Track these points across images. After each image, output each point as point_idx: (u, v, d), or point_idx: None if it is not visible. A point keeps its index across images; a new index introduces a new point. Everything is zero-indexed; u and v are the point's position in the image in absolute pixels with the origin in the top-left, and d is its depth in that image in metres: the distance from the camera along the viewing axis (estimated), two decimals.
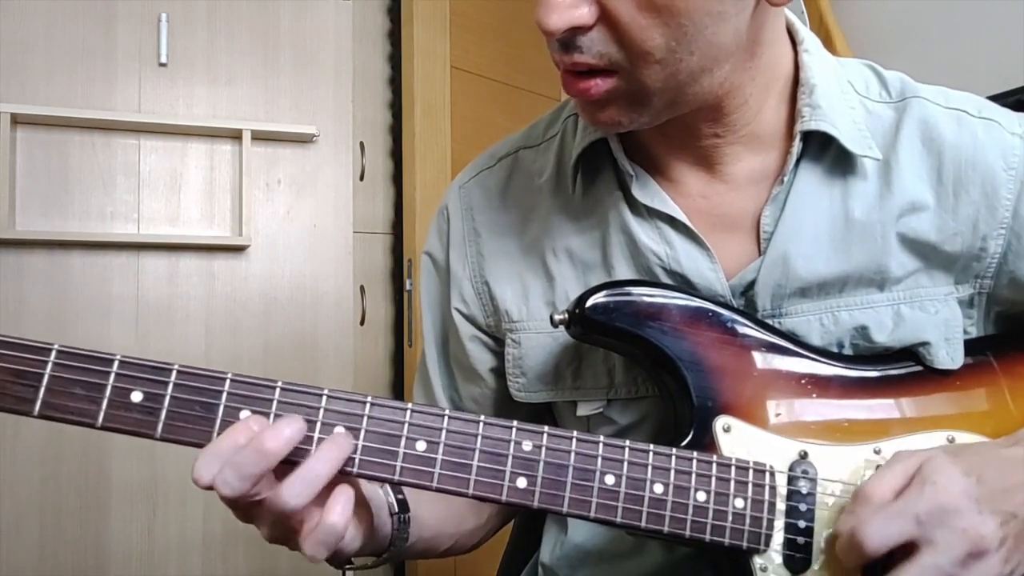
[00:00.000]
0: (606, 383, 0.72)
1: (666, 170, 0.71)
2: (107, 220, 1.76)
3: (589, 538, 0.75)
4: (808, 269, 0.67)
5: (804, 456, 0.63)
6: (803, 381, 0.66)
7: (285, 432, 0.54)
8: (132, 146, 1.79)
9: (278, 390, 0.56)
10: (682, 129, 0.68)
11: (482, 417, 0.59)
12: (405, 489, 0.68)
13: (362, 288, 2.06)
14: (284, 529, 0.57)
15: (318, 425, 0.56)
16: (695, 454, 0.61)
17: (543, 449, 0.59)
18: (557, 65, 0.61)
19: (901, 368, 0.69)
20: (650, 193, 0.70)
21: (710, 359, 0.65)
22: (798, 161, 0.68)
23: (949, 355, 0.68)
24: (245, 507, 0.56)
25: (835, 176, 0.68)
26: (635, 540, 0.72)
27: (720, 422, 0.64)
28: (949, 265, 0.69)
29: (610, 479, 0.59)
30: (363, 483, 0.62)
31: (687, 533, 0.60)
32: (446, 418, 0.58)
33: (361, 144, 2.07)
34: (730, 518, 0.60)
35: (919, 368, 0.69)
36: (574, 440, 0.59)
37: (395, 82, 2.14)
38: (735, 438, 0.63)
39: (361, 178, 2.07)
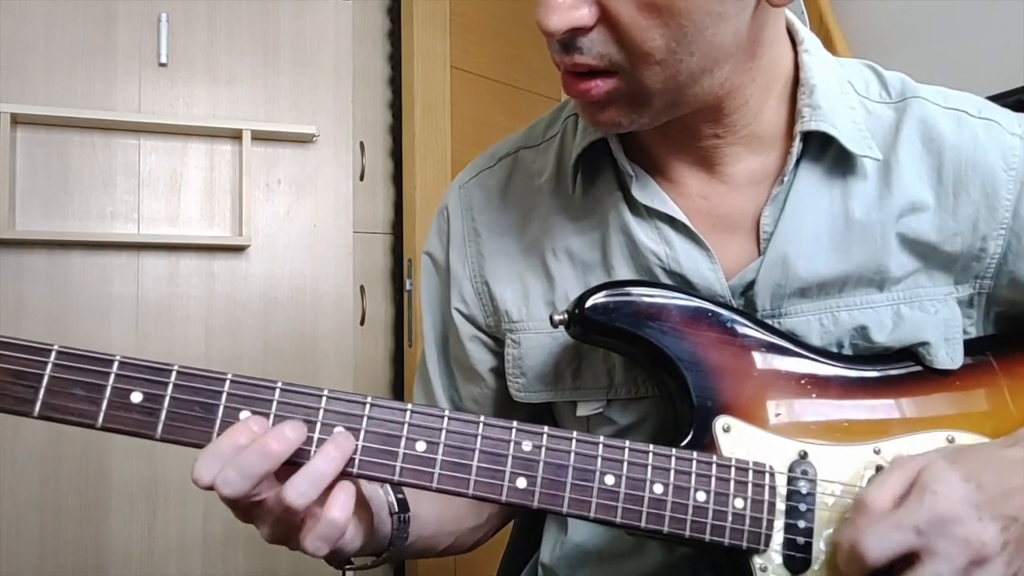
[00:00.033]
0: (606, 383, 0.72)
1: (666, 170, 0.71)
2: (107, 220, 1.76)
3: (589, 538, 0.75)
4: (808, 269, 0.67)
5: (804, 456, 0.63)
6: (803, 381, 0.66)
7: (288, 434, 0.54)
8: (132, 146, 1.79)
9: (278, 391, 0.57)
10: (682, 130, 0.68)
11: (482, 417, 0.59)
12: (405, 488, 0.68)
13: (362, 288, 2.06)
14: (285, 528, 0.57)
15: (318, 425, 0.57)
16: (695, 454, 0.61)
17: (543, 449, 0.59)
18: (557, 66, 0.61)
19: (901, 368, 0.69)
20: (650, 193, 0.70)
21: (710, 359, 0.65)
22: (798, 161, 0.68)
23: (949, 355, 0.68)
24: (245, 507, 0.56)
25: (835, 176, 0.68)
26: (635, 540, 0.72)
27: (720, 422, 0.64)
28: (949, 265, 0.69)
29: (610, 479, 0.59)
30: (363, 483, 0.62)
31: (687, 533, 0.60)
32: (446, 418, 0.58)
33: (361, 144, 2.07)
34: (730, 518, 0.60)
35: (919, 368, 0.69)
36: (574, 440, 0.59)
37: (395, 82, 2.14)
38: (735, 438, 0.63)
39: (361, 178, 2.07)
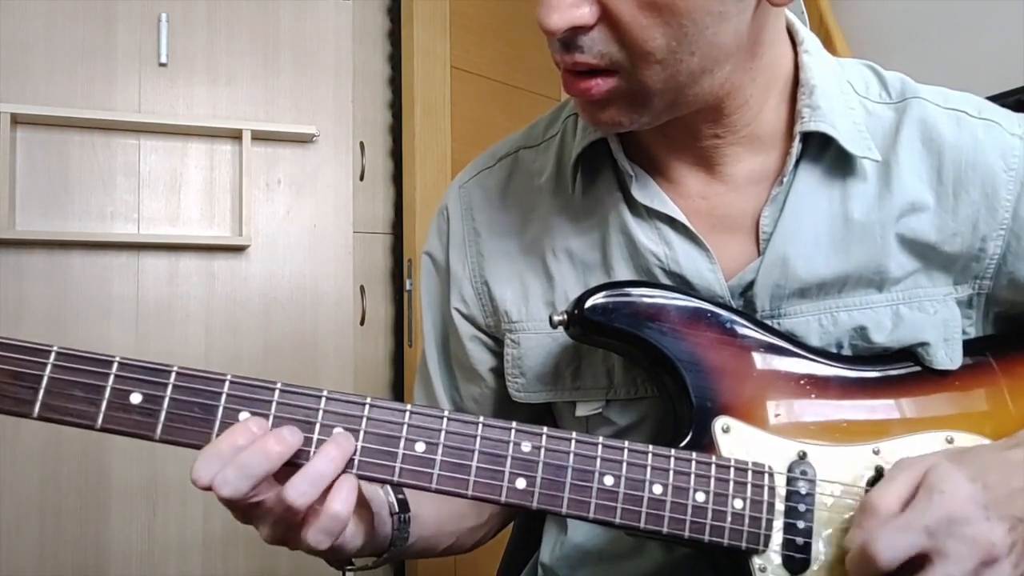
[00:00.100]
0: (605, 384, 0.72)
1: (666, 171, 0.71)
2: (107, 220, 1.76)
3: (589, 538, 0.75)
4: (807, 270, 0.67)
5: (803, 457, 0.63)
6: (802, 382, 0.66)
7: (287, 437, 0.54)
8: (132, 146, 1.79)
9: (277, 391, 0.57)
10: (682, 130, 0.68)
11: (481, 418, 0.59)
12: (405, 489, 0.68)
13: (362, 288, 2.06)
14: (285, 528, 0.57)
15: (317, 426, 0.57)
16: (694, 455, 0.61)
17: (542, 450, 0.59)
18: (558, 65, 0.61)
19: (900, 368, 0.69)
20: (650, 194, 0.70)
21: (709, 360, 0.65)
22: (798, 162, 0.68)
23: (948, 355, 0.68)
24: (244, 508, 0.56)
25: (834, 177, 0.68)
26: (634, 540, 0.72)
27: (719, 423, 0.64)
28: (948, 266, 0.69)
29: (609, 480, 0.59)
30: (363, 483, 0.62)
31: (686, 534, 0.60)
32: (445, 419, 0.58)
33: (361, 144, 2.07)
34: (729, 518, 0.60)
35: (918, 368, 0.69)
36: (573, 441, 0.59)
37: (395, 82, 2.14)
38: (734, 439, 0.63)
39: (361, 178, 2.07)
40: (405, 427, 0.58)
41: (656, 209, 0.69)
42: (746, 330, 0.67)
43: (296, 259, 1.92)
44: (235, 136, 1.85)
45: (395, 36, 2.14)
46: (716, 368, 0.65)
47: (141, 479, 1.74)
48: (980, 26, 1.85)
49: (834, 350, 0.69)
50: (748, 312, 0.69)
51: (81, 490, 1.69)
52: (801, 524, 0.61)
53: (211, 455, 0.53)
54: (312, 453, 0.56)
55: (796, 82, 0.69)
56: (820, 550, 0.61)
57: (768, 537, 0.61)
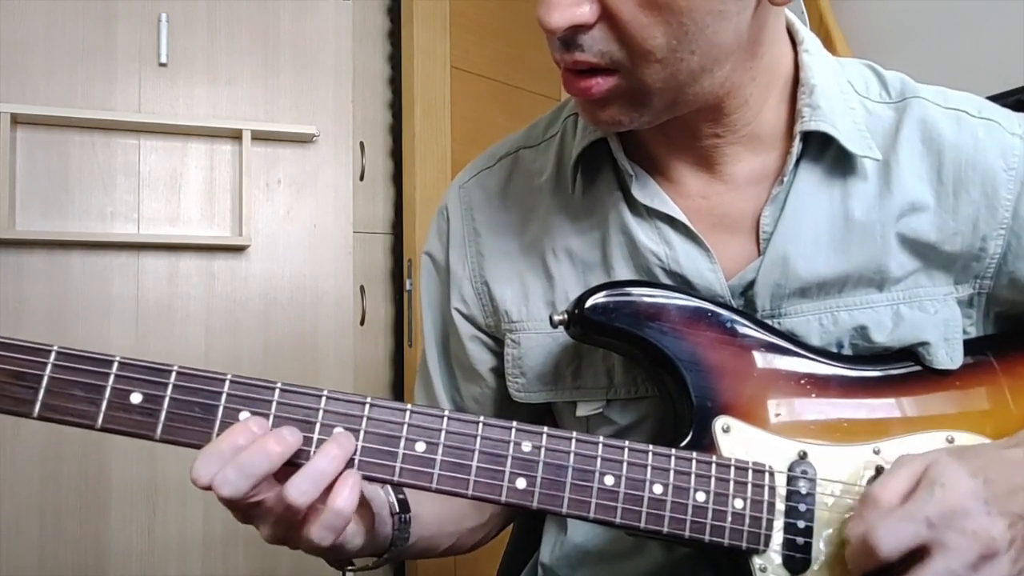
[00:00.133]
0: (605, 383, 0.72)
1: (666, 170, 0.71)
2: (107, 220, 1.76)
3: (589, 538, 0.75)
4: (807, 269, 0.67)
5: (803, 456, 0.63)
6: (802, 381, 0.66)
7: (287, 437, 0.55)
8: (132, 146, 1.79)
9: (277, 391, 0.57)
10: (682, 129, 0.68)
11: (481, 418, 0.59)
12: (405, 489, 0.68)
13: (362, 288, 2.06)
14: (286, 528, 0.57)
15: (317, 426, 0.57)
16: (694, 454, 0.61)
17: (542, 450, 0.59)
18: (558, 64, 0.61)
19: (901, 368, 0.69)
20: (650, 193, 0.70)
21: (709, 359, 0.65)
22: (798, 161, 0.68)
23: (948, 355, 0.68)
24: (244, 508, 0.56)
25: (835, 176, 0.68)
26: (635, 540, 0.72)
27: (719, 422, 0.64)
28: (949, 265, 0.69)
29: (609, 480, 0.59)
30: (364, 483, 0.62)
31: (686, 533, 0.60)
32: (445, 419, 0.58)
33: (361, 144, 2.07)
34: (729, 518, 0.60)
35: (919, 368, 0.69)
36: (573, 441, 0.59)
37: (395, 82, 2.14)
38: (734, 438, 0.63)
39: (361, 178, 2.07)
40: (405, 427, 0.58)
41: (656, 209, 0.69)
42: (746, 330, 0.67)
43: (296, 259, 1.92)
44: (235, 136, 1.85)
45: (395, 36, 2.14)
46: (716, 368, 0.65)
47: (141, 479, 1.74)
48: (980, 26, 1.85)
49: (834, 350, 0.69)
50: (748, 312, 0.69)
51: (81, 490, 1.69)
52: (801, 524, 0.61)
53: (211, 455, 0.53)
54: (312, 453, 0.56)
55: (796, 82, 0.69)
56: (820, 550, 0.61)
57: (768, 537, 0.61)
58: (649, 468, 0.60)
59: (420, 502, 0.69)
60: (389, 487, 0.68)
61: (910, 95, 0.70)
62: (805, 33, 0.70)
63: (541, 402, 0.76)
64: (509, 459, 0.58)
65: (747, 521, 0.61)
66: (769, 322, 0.68)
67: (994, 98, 0.84)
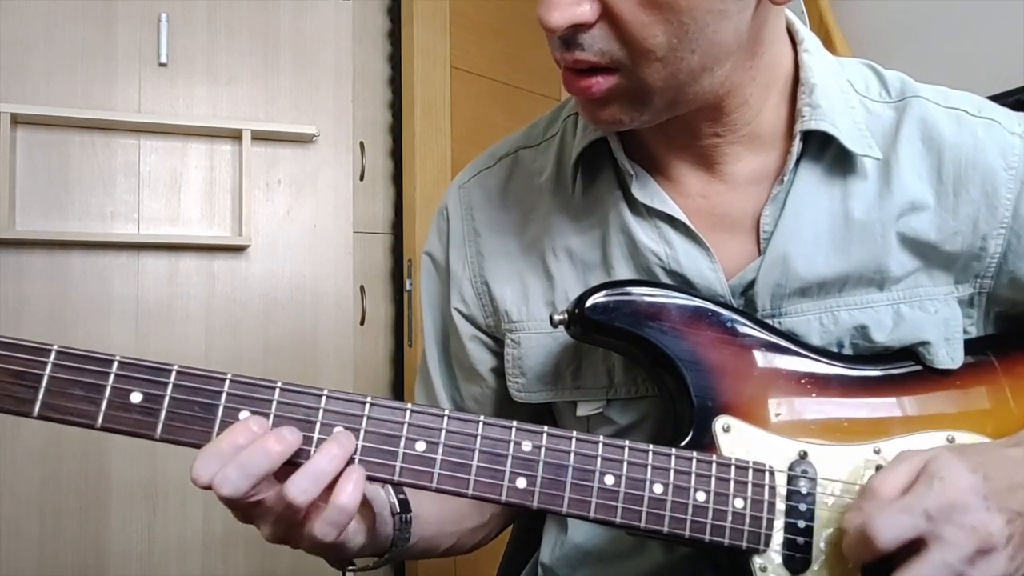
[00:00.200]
0: (606, 383, 0.72)
1: (666, 170, 0.71)
2: (107, 220, 1.76)
3: (589, 538, 0.75)
4: (808, 269, 0.67)
5: (804, 456, 0.63)
6: (803, 381, 0.66)
7: (288, 437, 0.54)
8: (132, 146, 1.79)
9: (277, 391, 0.56)
10: (682, 128, 0.68)
11: (481, 417, 0.59)
12: (406, 488, 0.68)
13: (362, 288, 2.06)
14: (287, 527, 0.57)
15: (317, 426, 0.57)
16: (695, 454, 0.61)
17: (543, 449, 0.59)
18: (558, 63, 0.61)
19: (901, 368, 0.69)
20: (650, 193, 0.70)
21: (710, 359, 0.65)
22: (798, 161, 0.68)
23: (949, 355, 0.68)
24: (244, 507, 0.56)
25: (835, 176, 0.68)
26: (635, 540, 0.72)
27: (720, 422, 0.64)
28: (949, 265, 0.69)
29: (610, 479, 0.59)
30: (365, 482, 0.62)
31: (687, 533, 0.60)
32: (445, 418, 0.58)
33: (361, 144, 2.07)
34: (730, 518, 0.60)
35: (919, 368, 0.69)
36: (574, 440, 0.59)
37: (395, 82, 2.14)
38: (735, 438, 0.63)
39: (361, 178, 2.07)
40: (406, 426, 0.58)
41: (656, 208, 0.69)
42: (747, 329, 0.67)
43: (296, 259, 1.92)
44: (235, 136, 1.85)
45: (395, 36, 2.14)
46: (717, 367, 0.65)
47: (141, 479, 1.74)
48: (980, 26, 1.85)
49: (835, 349, 0.69)
50: (749, 311, 0.69)
51: (81, 490, 1.69)
52: (802, 523, 0.61)
53: (211, 454, 0.53)
54: (312, 452, 0.56)
55: (796, 81, 0.69)
56: (821, 549, 0.61)
57: (769, 537, 0.61)
58: (649, 468, 0.60)
59: (421, 502, 0.69)
60: (390, 487, 0.68)
61: (910, 94, 0.70)
62: (805, 33, 0.70)
63: (541, 402, 0.76)
64: (509, 459, 0.58)
65: (747, 521, 0.61)
66: (769, 322, 0.68)
67: (994, 98, 0.84)
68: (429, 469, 0.57)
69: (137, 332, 1.77)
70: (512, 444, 0.58)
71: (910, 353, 0.69)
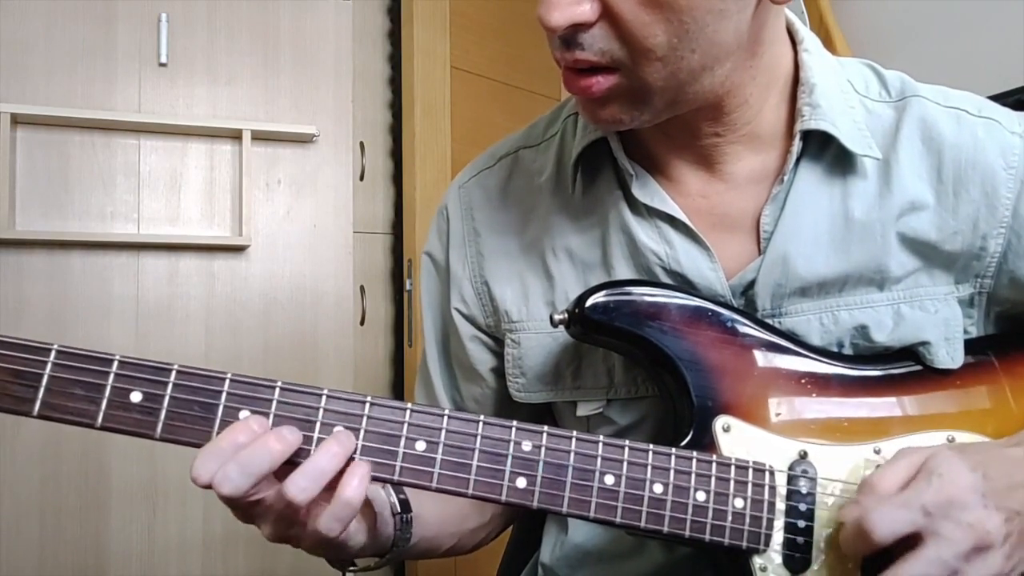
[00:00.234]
0: (606, 383, 0.72)
1: (666, 169, 0.71)
2: (107, 220, 1.76)
3: (589, 538, 0.75)
4: (808, 269, 0.67)
5: (804, 456, 0.63)
6: (803, 381, 0.66)
7: (288, 436, 0.55)
8: (132, 146, 1.79)
9: (277, 390, 0.56)
10: (682, 128, 0.68)
11: (482, 417, 0.59)
12: (406, 488, 0.68)
13: (362, 288, 2.06)
14: (287, 526, 0.57)
15: (317, 425, 0.56)
16: (695, 454, 0.61)
17: (543, 449, 0.59)
18: (558, 63, 0.61)
19: (901, 367, 0.69)
20: (650, 192, 0.70)
21: (710, 359, 0.65)
22: (798, 160, 0.68)
23: (949, 355, 0.68)
24: (244, 506, 0.56)
25: (835, 175, 0.68)
26: (635, 540, 0.72)
27: (720, 422, 0.64)
28: (949, 264, 0.69)
29: (610, 479, 0.59)
30: None
31: (687, 533, 0.60)
32: (446, 418, 0.58)
33: (361, 144, 2.07)
34: (730, 518, 0.60)
35: (919, 368, 0.69)
36: (574, 440, 0.59)
37: (395, 82, 2.14)
38: (735, 438, 0.63)
39: (361, 178, 2.07)
40: (406, 426, 0.58)
41: (656, 208, 0.69)
42: (747, 329, 0.67)
43: (296, 259, 1.92)
44: (235, 136, 1.85)
45: (395, 36, 2.14)
46: (717, 367, 0.65)
47: (141, 479, 1.74)
48: (980, 26, 1.85)
49: (835, 349, 0.69)
50: (749, 311, 0.69)
51: (81, 490, 1.69)
52: (802, 523, 0.61)
53: (211, 453, 0.53)
54: (312, 452, 0.56)
55: (796, 81, 0.69)
56: (821, 549, 0.61)
57: (769, 536, 0.61)
58: (649, 467, 0.60)
59: (421, 502, 0.69)
60: (390, 487, 0.68)
61: (910, 94, 0.70)
62: (805, 33, 0.70)
63: (541, 402, 0.76)
64: (509, 458, 0.58)
65: (747, 520, 0.61)
66: (770, 321, 0.68)
67: (994, 98, 0.84)
68: (429, 469, 0.57)
69: (137, 332, 1.77)
70: (512, 444, 0.58)
71: (910, 353, 0.69)
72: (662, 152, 0.71)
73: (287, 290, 1.91)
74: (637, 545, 0.72)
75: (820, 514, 0.62)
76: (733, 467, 0.61)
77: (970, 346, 0.70)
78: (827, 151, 0.68)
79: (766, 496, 0.61)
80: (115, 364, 0.55)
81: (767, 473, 0.62)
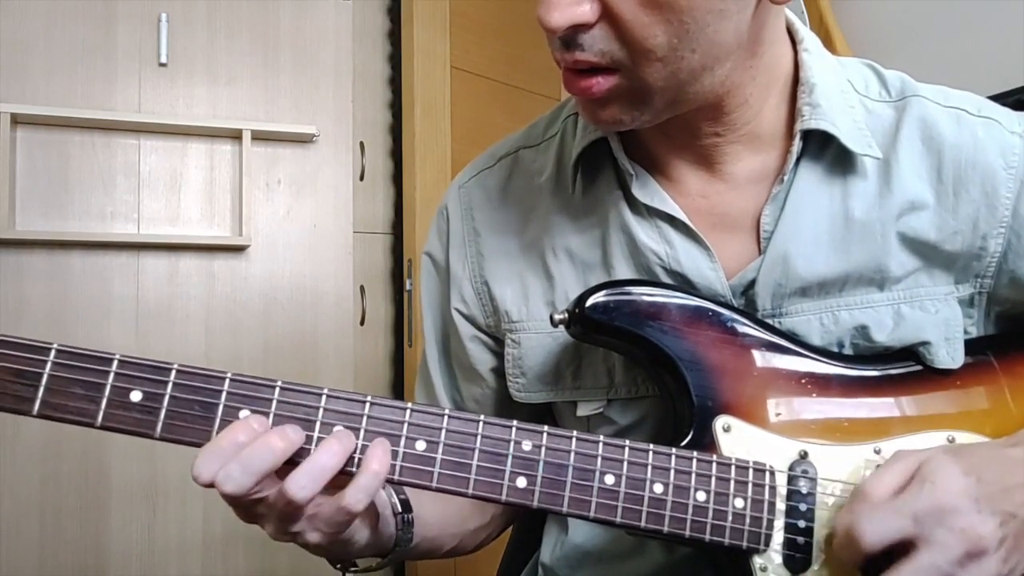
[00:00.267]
0: (606, 383, 0.72)
1: (666, 169, 0.71)
2: (107, 220, 1.76)
3: (589, 538, 0.75)
4: (808, 268, 0.67)
5: (804, 456, 0.63)
6: (803, 381, 0.66)
7: (290, 434, 0.55)
8: (132, 146, 1.79)
9: (277, 390, 0.56)
10: (682, 128, 0.68)
11: (482, 417, 0.59)
12: (407, 489, 0.68)
13: (362, 288, 2.06)
14: (290, 524, 0.57)
15: (317, 425, 0.56)
16: (695, 454, 0.61)
17: (543, 449, 0.59)
18: (558, 63, 0.61)
19: (901, 368, 0.69)
20: (650, 192, 0.70)
21: (710, 358, 0.65)
22: (798, 160, 0.68)
23: (949, 355, 0.68)
24: (246, 505, 0.56)
25: (835, 175, 0.68)
26: (635, 540, 0.72)
27: (720, 422, 0.64)
28: (949, 264, 0.69)
29: (610, 479, 0.59)
30: None
31: (687, 533, 0.60)
32: (446, 418, 0.58)
33: (361, 144, 2.07)
34: (730, 518, 0.60)
35: (919, 368, 0.69)
36: (574, 440, 0.59)
37: (395, 82, 2.14)
38: (735, 438, 0.63)
39: (361, 178, 2.07)
40: (406, 425, 0.58)
41: (656, 208, 0.69)
42: (747, 329, 0.67)
43: (296, 259, 1.92)
44: (235, 136, 1.85)
45: (395, 36, 2.14)
46: (717, 367, 0.65)
47: (141, 479, 1.74)
48: (980, 26, 1.85)
49: (835, 349, 0.69)
50: (749, 311, 0.69)
51: (81, 490, 1.69)
52: (802, 523, 0.61)
53: (212, 452, 0.53)
54: (313, 451, 0.56)
55: (796, 81, 0.69)
56: (821, 549, 0.61)
57: (769, 536, 0.61)
58: (649, 467, 0.60)
59: (422, 503, 0.69)
60: (391, 487, 0.68)
61: (910, 94, 0.70)
62: (805, 32, 0.70)
63: (541, 402, 0.76)
64: (509, 458, 0.58)
65: (748, 520, 0.61)
66: (770, 321, 0.68)
67: (994, 98, 0.84)
68: (429, 468, 0.57)
69: (137, 332, 1.77)
70: (512, 444, 0.58)
71: (910, 353, 0.69)
72: (662, 152, 0.71)
73: (287, 290, 1.91)
74: (637, 545, 0.72)
75: (820, 514, 0.62)
76: (733, 467, 0.61)
77: (969, 346, 0.70)
78: (827, 151, 0.68)
79: (766, 496, 0.61)
80: (115, 363, 0.55)
81: (767, 473, 0.62)
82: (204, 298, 1.83)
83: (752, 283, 0.68)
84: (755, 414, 0.64)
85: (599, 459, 0.59)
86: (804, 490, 0.62)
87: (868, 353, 0.69)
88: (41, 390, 0.54)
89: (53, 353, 0.54)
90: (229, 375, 0.56)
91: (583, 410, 0.74)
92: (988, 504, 0.55)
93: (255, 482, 0.53)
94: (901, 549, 0.55)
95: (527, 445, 0.59)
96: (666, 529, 0.59)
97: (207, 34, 1.86)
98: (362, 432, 0.57)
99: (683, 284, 0.69)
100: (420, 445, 0.57)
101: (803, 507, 0.62)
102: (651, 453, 0.60)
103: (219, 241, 1.84)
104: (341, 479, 0.55)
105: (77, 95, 1.74)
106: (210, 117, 1.85)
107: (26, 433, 1.64)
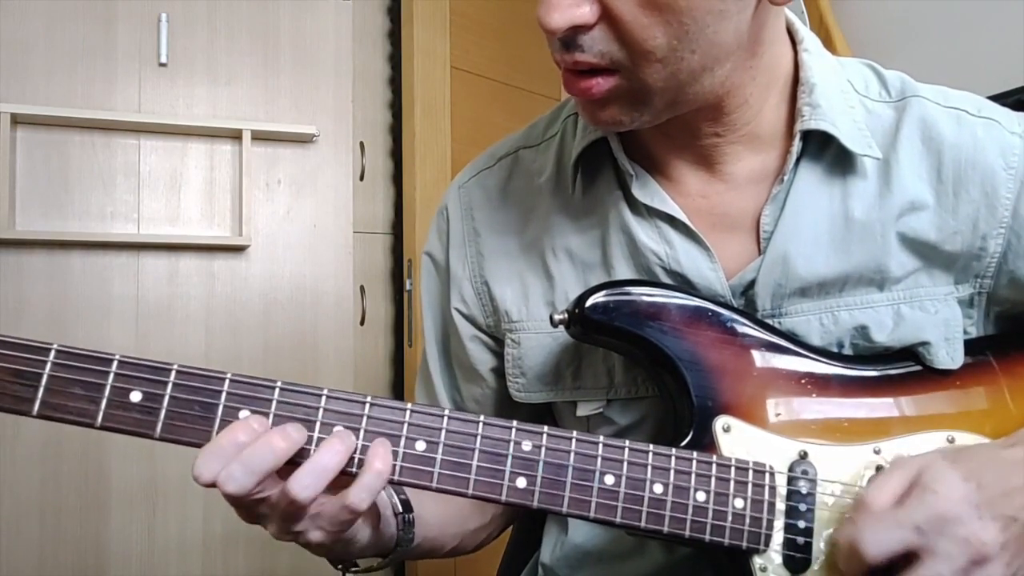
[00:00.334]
0: (606, 383, 0.72)
1: (666, 169, 0.71)
2: (107, 220, 1.76)
3: (589, 538, 0.75)
4: (808, 269, 0.67)
5: (804, 456, 0.63)
6: (803, 381, 0.66)
7: (292, 434, 0.55)
8: (132, 146, 1.79)
9: (277, 390, 0.57)
10: (682, 128, 0.68)
11: (482, 417, 0.59)
12: (407, 489, 0.68)
13: (362, 288, 2.06)
14: (291, 523, 0.57)
15: (317, 425, 0.57)
16: (695, 454, 0.61)
17: (543, 449, 0.59)
18: (558, 64, 0.61)
19: (901, 368, 0.69)
20: (650, 192, 0.70)
21: (710, 359, 0.65)
22: (798, 160, 0.68)
23: (949, 355, 0.68)
24: (249, 505, 0.56)
25: (835, 175, 0.68)
26: (635, 540, 0.72)
27: (720, 422, 0.64)
28: (949, 265, 0.69)
29: (610, 479, 0.59)
30: None
31: (687, 533, 0.60)
32: (445, 418, 0.58)
33: (361, 144, 2.07)
34: (730, 518, 0.60)
35: (919, 368, 0.69)
36: (574, 440, 0.59)
37: (395, 82, 2.14)
38: (735, 438, 0.63)
39: (361, 178, 2.07)
40: (406, 426, 0.58)
41: (656, 208, 0.69)
42: (747, 329, 0.67)
43: (296, 259, 1.92)
44: (235, 136, 1.85)
45: (395, 36, 2.14)
46: (717, 367, 0.65)
47: (141, 479, 1.74)
48: (980, 26, 1.85)
49: (835, 349, 0.69)
50: (749, 311, 0.69)
51: (81, 490, 1.69)
52: (802, 524, 0.61)
53: (212, 452, 0.53)
54: (313, 451, 0.56)
55: (796, 81, 0.69)
56: (821, 549, 0.61)
57: (769, 537, 0.61)
58: (649, 468, 0.60)
59: (422, 503, 0.69)
60: (391, 487, 0.68)
61: (910, 94, 0.70)
62: (805, 33, 0.70)
63: (541, 402, 0.76)
64: (509, 458, 0.58)
65: (747, 521, 0.61)
66: (769, 322, 0.68)
67: (994, 98, 0.84)
68: (429, 469, 0.57)
69: (137, 332, 1.77)
70: (512, 444, 0.59)
71: (910, 353, 0.69)
72: (662, 152, 0.71)
73: (287, 290, 1.91)
74: (637, 545, 0.72)
75: (820, 514, 0.62)
76: (733, 467, 0.61)
77: (969, 347, 0.70)
78: (827, 151, 0.68)
79: (766, 496, 0.61)
80: (115, 364, 0.55)
81: (767, 473, 0.62)
82: (204, 298, 1.83)
83: (752, 283, 0.68)
84: (755, 414, 0.64)
85: (599, 459, 0.59)
86: (804, 490, 0.62)
87: (868, 353, 0.69)
88: (41, 390, 0.54)
89: (53, 353, 0.54)
90: (229, 375, 0.56)
91: (583, 410, 0.74)
92: (989, 509, 0.55)
93: (257, 482, 0.53)
94: (904, 558, 0.55)
95: (527, 445, 0.59)
96: (666, 529, 0.59)
97: (207, 34, 1.86)
98: (362, 432, 0.57)
99: (683, 284, 0.69)
100: (420, 445, 0.57)
101: (803, 507, 0.62)
102: (651, 453, 0.60)
103: (219, 241, 1.84)
104: (341, 479, 0.55)
105: (77, 95, 1.74)
106: (210, 117, 1.85)
107: (26, 433, 1.64)
